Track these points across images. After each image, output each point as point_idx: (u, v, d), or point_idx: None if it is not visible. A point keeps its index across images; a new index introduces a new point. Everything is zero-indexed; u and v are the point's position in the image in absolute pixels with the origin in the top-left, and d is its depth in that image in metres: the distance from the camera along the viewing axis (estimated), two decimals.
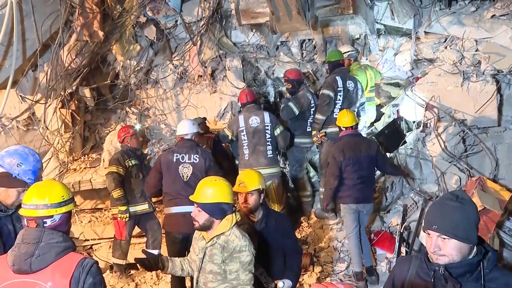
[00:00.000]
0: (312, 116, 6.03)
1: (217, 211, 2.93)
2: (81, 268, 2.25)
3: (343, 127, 5.11)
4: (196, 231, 3.11)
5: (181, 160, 4.78)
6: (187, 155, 4.79)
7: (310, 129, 6.05)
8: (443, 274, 1.95)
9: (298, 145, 6.16)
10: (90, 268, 2.27)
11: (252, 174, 3.53)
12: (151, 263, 3.07)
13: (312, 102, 6.04)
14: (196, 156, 4.79)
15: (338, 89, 5.82)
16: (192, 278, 3.29)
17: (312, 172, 6.50)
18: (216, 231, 2.94)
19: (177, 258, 3.25)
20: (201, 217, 2.93)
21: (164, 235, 5.18)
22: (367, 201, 5.04)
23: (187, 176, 4.73)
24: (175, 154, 4.81)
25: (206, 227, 2.96)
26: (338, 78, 5.86)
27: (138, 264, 3.12)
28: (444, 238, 1.93)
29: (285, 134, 5.77)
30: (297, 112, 5.99)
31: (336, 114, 5.80)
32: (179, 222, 4.66)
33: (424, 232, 2.04)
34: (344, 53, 6.30)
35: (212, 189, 2.95)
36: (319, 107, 5.92)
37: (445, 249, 1.94)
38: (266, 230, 3.46)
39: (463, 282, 1.95)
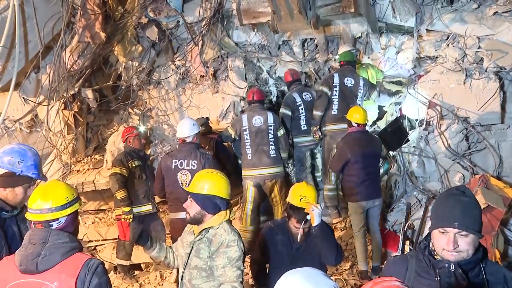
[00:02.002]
0: (303, 114, 6.08)
1: (210, 204, 2.80)
2: (87, 269, 2.25)
3: (355, 122, 5.11)
4: (187, 224, 2.99)
5: (179, 167, 4.74)
6: (185, 161, 4.73)
7: (306, 128, 6.08)
8: (453, 271, 1.94)
9: (296, 145, 6.20)
10: (96, 268, 2.28)
11: (314, 191, 3.40)
12: (140, 236, 2.98)
13: (298, 100, 6.09)
14: (194, 162, 4.72)
15: (334, 84, 5.89)
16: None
17: (319, 172, 6.49)
18: (206, 224, 2.83)
19: (165, 244, 3.19)
20: (192, 209, 2.81)
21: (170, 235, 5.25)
22: (377, 196, 5.05)
23: (186, 184, 4.65)
24: (174, 160, 4.78)
25: (196, 220, 2.83)
26: (335, 74, 5.97)
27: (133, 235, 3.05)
28: (463, 234, 1.93)
29: (285, 137, 5.78)
30: (289, 113, 6.09)
31: (334, 111, 5.88)
32: (179, 228, 4.63)
33: (431, 230, 2.02)
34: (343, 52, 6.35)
35: (207, 181, 2.83)
36: (315, 103, 6.01)
37: (462, 246, 1.93)
38: (304, 247, 3.38)
39: (469, 278, 1.96)
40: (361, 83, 6.00)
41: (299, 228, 3.33)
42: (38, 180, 2.93)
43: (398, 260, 2.26)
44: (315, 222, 3.26)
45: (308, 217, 3.29)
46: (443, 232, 1.96)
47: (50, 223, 2.30)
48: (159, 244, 3.08)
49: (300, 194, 3.33)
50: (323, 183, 6.16)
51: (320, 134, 5.93)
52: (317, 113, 5.93)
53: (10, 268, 2.25)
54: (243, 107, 6.90)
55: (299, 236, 3.33)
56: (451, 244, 1.92)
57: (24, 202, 2.77)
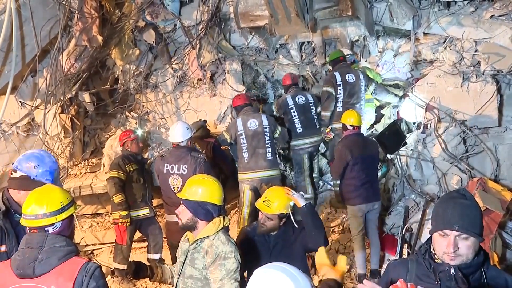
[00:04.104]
0: (296, 117, 6.09)
1: (201, 210, 2.74)
2: (84, 272, 2.24)
3: (349, 125, 5.13)
4: (183, 234, 2.95)
5: (170, 171, 4.75)
6: (176, 165, 4.73)
7: (301, 130, 6.09)
8: (454, 275, 1.93)
9: (293, 148, 6.20)
10: (93, 272, 2.26)
11: (281, 195, 3.31)
12: (137, 270, 2.88)
13: (290, 103, 6.12)
14: (185, 167, 4.71)
15: (337, 83, 5.97)
16: None
17: (315, 173, 6.49)
18: (201, 233, 2.75)
19: (167, 265, 3.15)
20: (184, 215, 2.76)
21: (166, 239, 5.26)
22: (376, 198, 5.06)
23: (177, 188, 4.68)
24: (165, 164, 4.79)
25: (189, 227, 2.78)
26: (336, 73, 6.03)
27: (130, 273, 2.99)
28: (463, 237, 1.92)
29: (283, 131, 5.80)
30: (274, 112, 6.29)
31: (339, 108, 5.96)
32: (174, 230, 4.70)
33: (431, 233, 2.01)
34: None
35: (198, 187, 2.78)
36: (322, 104, 6.10)
37: (463, 249, 1.93)
38: (280, 246, 3.33)
39: (470, 281, 1.94)
40: (361, 76, 6.09)
41: (262, 213, 3.30)
42: None
43: (398, 264, 2.25)
44: (301, 203, 3.25)
45: (291, 203, 3.28)
46: (443, 235, 1.95)
47: (46, 228, 2.30)
48: (161, 267, 3.01)
49: (266, 197, 3.31)
50: (332, 179, 6.20)
51: (333, 134, 5.95)
52: (325, 113, 6.02)
53: (7, 273, 2.24)
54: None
55: (260, 219, 3.31)
56: (451, 247, 1.91)
57: None
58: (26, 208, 2.32)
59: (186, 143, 4.90)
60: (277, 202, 3.27)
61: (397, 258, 5.02)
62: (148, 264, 3.01)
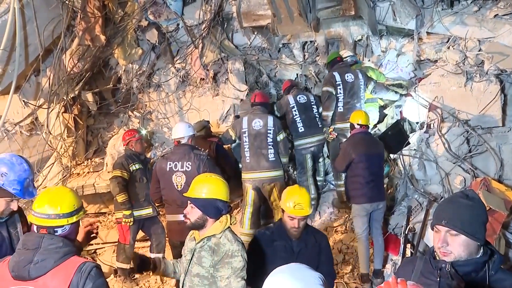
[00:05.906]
0: (297, 116, 6.11)
1: (211, 208, 2.77)
2: (80, 274, 2.22)
3: (357, 124, 5.14)
4: (189, 233, 2.95)
5: (174, 169, 4.75)
6: (180, 163, 4.74)
7: (303, 130, 6.09)
8: (449, 271, 1.94)
9: (296, 148, 6.21)
10: (90, 272, 2.24)
11: (307, 195, 3.30)
12: (141, 264, 2.89)
13: (292, 102, 6.15)
14: (188, 164, 4.72)
15: (337, 83, 5.97)
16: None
17: (320, 177, 6.48)
18: (208, 232, 2.78)
19: (170, 260, 3.15)
20: (193, 214, 2.77)
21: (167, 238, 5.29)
22: (381, 198, 5.03)
23: (181, 185, 4.69)
24: (168, 162, 4.79)
25: (198, 226, 2.79)
26: (335, 73, 6.03)
27: (134, 264, 2.98)
28: (452, 234, 1.94)
29: (285, 141, 5.77)
30: (277, 113, 6.31)
31: (340, 109, 5.98)
32: (175, 230, 4.72)
33: (432, 228, 2.04)
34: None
35: (206, 185, 2.81)
36: (322, 104, 6.11)
37: (453, 245, 1.94)
38: (304, 251, 3.29)
39: (469, 281, 1.94)
40: (360, 75, 6.08)
41: (294, 219, 3.22)
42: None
43: (407, 261, 2.31)
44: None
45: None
46: (436, 231, 2.00)
47: (55, 229, 2.29)
48: (164, 263, 3.02)
49: (294, 201, 3.22)
50: (334, 179, 6.22)
51: (336, 134, 5.96)
52: (327, 113, 6.03)
53: (4, 274, 2.23)
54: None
55: (294, 230, 3.25)
56: (439, 242, 1.95)
57: (6, 213, 2.72)
58: (37, 206, 2.29)
59: (188, 140, 4.91)
60: (307, 202, 3.24)
61: (400, 258, 5.02)
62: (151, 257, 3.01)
